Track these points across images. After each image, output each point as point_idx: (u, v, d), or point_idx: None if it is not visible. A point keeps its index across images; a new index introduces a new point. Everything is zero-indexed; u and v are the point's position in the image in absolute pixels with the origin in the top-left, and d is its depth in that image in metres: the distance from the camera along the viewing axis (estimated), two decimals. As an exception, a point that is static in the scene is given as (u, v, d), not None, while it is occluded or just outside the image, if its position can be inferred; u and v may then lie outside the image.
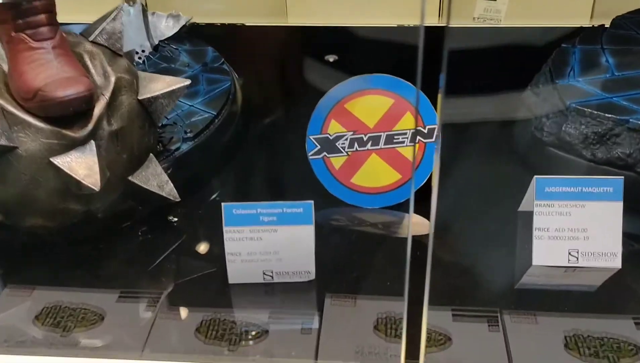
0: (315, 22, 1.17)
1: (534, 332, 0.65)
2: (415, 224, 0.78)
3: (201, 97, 0.86)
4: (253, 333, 0.64)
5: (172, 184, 0.73)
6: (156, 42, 0.97)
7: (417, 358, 0.54)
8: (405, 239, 0.76)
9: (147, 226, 0.77)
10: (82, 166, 0.64)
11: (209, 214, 0.80)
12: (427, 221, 0.77)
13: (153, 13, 0.98)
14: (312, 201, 0.66)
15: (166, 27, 0.99)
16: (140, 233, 0.77)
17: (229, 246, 0.66)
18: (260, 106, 0.94)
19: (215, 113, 0.84)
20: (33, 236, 0.71)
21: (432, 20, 1.18)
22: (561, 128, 0.79)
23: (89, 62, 0.70)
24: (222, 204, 0.65)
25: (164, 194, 0.73)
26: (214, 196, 0.82)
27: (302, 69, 1.03)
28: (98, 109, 0.67)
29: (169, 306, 0.68)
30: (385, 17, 1.18)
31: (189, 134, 0.80)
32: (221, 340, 0.63)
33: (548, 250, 0.70)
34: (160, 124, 0.81)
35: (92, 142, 0.66)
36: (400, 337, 0.63)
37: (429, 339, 0.65)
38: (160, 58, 0.95)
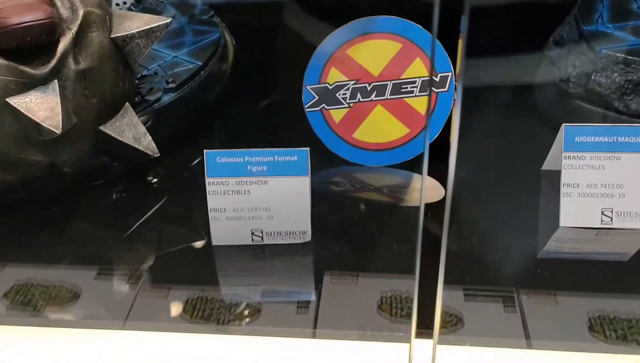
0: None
1: (555, 312, 0.56)
2: (428, 189, 0.69)
3: (186, 48, 0.77)
4: (244, 312, 0.55)
5: (150, 138, 0.65)
6: (139, -6, 0.88)
7: (429, 338, 0.46)
8: (415, 205, 0.68)
9: (123, 186, 0.68)
10: (43, 106, 0.56)
11: (192, 176, 0.71)
12: (440, 184, 0.68)
13: (136, -37, 0.89)
14: (308, 148, 0.57)
15: (151, -21, 0.90)
16: (115, 194, 0.68)
17: (212, 201, 0.57)
18: (254, 59, 0.85)
19: (201, 64, 0.75)
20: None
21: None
22: (590, 78, 0.70)
23: (54, -6, 0.61)
24: (205, 151, 0.56)
25: (140, 148, 0.64)
26: (199, 158, 0.74)
27: (299, 17, 0.94)
28: (63, 44, 0.58)
29: (150, 282, 0.59)
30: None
31: (170, 85, 0.71)
32: (208, 320, 0.55)
33: (578, 209, 0.61)
34: (139, 75, 0.73)
35: (55, 81, 0.57)
36: (408, 317, 0.54)
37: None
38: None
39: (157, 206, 0.67)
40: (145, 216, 0.66)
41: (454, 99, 0.62)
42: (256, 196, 0.57)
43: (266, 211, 0.57)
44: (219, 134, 0.76)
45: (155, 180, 0.70)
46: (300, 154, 0.56)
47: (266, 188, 0.56)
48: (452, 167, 0.38)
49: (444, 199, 0.45)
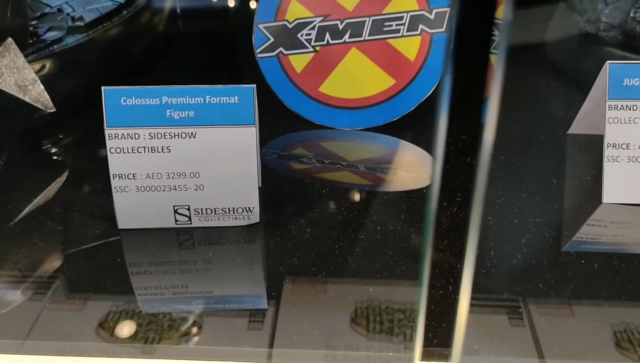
0: None
1: (570, 324, 0.38)
2: (418, 165, 0.52)
3: (107, -15, 0.60)
4: (180, 328, 0.37)
5: (42, 87, 0.47)
6: None
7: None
8: (402, 189, 0.50)
9: (7, 155, 0.50)
10: None
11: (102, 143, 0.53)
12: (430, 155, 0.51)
13: None
14: (254, 86, 0.39)
15: None
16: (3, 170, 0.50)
17: (115, 163, 0.39)
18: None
19: (123, 1, 0.57)
20: None
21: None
22: (628, 16, 0.53)
23: None
24: (103, 88, 0.38)
25: (27, 99, 0.46)
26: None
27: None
28: None
29: (45, 287, 0.41)
30: None
31: (77, 23, 0.53)
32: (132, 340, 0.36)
33: (626, 179, 0.44)
34: (39, 13, 0.55)
35: None
36: (389, 333, 0.36)
37: (432, 336, 0.38)
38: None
39: (54, 184, 0.49)
40: (38, 199, 0.48)
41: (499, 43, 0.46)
42: (180, 157, 0.39)
43: (194, 178, 0.39)
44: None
45: (53, 149, 0.52)
46: (243, 94, 0.39)
47: (194, 143, 0.39)
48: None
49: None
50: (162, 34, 0.61)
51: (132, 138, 0.39)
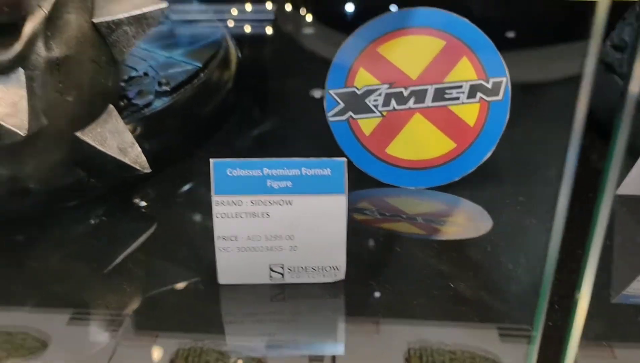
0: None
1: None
2: (471, 218, 0.57)
3: (182, 48, 0.65)
4: None
5: (139, 149, 0.52)
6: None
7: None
8: (457, 238, 0.55)
9: (104, 209, 0.55)
10: (3, 101, 0.43)
11: (189, 198, 0.58)
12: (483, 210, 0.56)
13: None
14: (344, 160, 0.44)
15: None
16: (93, 219, 0.54)
17: (219, 226, 0.44)
18: (262, 62, 0.73)
19: (200, 65, 0.62)
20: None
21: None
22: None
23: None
24: (212, 161, 0.44)
25: (127, 161, 0.51)
26: (197, 177, 0.61)
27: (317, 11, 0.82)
28: (31, 25, 0.46)
29: (135, 328, 0.46)
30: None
31: (164, 87, 0.58)
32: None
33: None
34: (127, 76, 0.60)
35: (21, 70, 0.45)
36: None
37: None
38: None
39: (145, 235, 0.54)
40: (131, 248, 0.53)
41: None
42: (277, 221, 0.44)
43: (289, 239, 0.44)
44: (222, 149, 0.63)
45: (143, 203, 0.57)
46: (335, 166, 0.44)
47: (290, 209, 0.44)
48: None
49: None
50: (234, 91, 0.67)
51: (235, 205, 0.44)
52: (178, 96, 0.59)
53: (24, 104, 0.43)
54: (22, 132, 0.42)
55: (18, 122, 0.42)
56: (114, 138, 0.52)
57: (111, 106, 0.53)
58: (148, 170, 0.52)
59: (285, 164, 0.44)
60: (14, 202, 0.50)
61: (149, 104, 0.57)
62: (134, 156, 0.52)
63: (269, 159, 0.44)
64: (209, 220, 0.44)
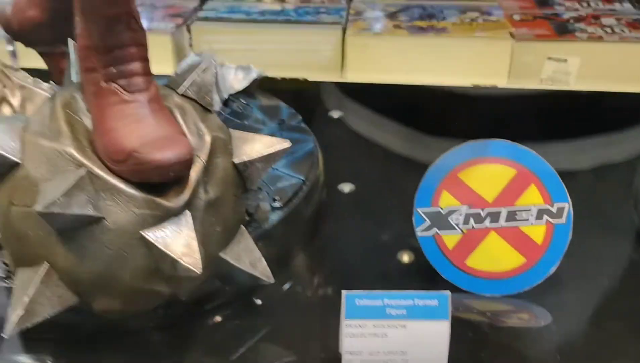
0: (387, 79, 1.09)
1: None
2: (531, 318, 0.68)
3: (284, 159, 0.76)
4: None
5: (265, 262, 0.63)
6: (226, 97, 0.87)
7: None
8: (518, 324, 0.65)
9: (230, 309, 0.66)
10: (179, 242, 0.54)
11: (295, 296, 0.69)
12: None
13: (221, 64, 0.89)
14: (449, 293, 0.55)
15: (235, 80, 0.89)
16: (222, 318, 0.66)
17: (348, 344, 0.55)
18: (345, 170, 0.84)
19: (303, 178, 0.74)
20: (104, 320, 0.59)
21: (502, 82, 1.13)
22: None
23: (180, 119, 0.60)
24: (343, 292, 0.55)
25: (256, 274, 0.62)
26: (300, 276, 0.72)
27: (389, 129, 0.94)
28: (195, 174, 0.57)
29: None
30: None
31: (277, 203, 0.70)
32: None
33: None
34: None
35: (188, 213, 0.56)
36: None
37: None
38: (232, 114, 0.85)
39: (265, 331, 0.65)
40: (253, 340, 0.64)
41: None
42: (393, 340, 0.55)
43: (402, 354, 0.55)
44: (324, 254, 0.74)
45: (259, 301, 0.68)
46: (441, 299, 0.55)
47: (404, 332, 0.55)
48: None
49: None
50: (325, 205, 0.77)
51: (361, 327, 0.55)
52: (289, 210, 0.70)
53: (194, 244, 0.54)
54: (198, 271, 0.53)
55: (193, 261, 0.53)
56: (247, 255, 0.63)
57: (243, 227, 0.64)
58: (273, 281, 0.63)
59: (402, 297, 0.55)
60: (166, 310, 0.61)
61: (266, 219, 0.68)
62: (262, 269, 0.63)
63: (388, 292, 0.55)
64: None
